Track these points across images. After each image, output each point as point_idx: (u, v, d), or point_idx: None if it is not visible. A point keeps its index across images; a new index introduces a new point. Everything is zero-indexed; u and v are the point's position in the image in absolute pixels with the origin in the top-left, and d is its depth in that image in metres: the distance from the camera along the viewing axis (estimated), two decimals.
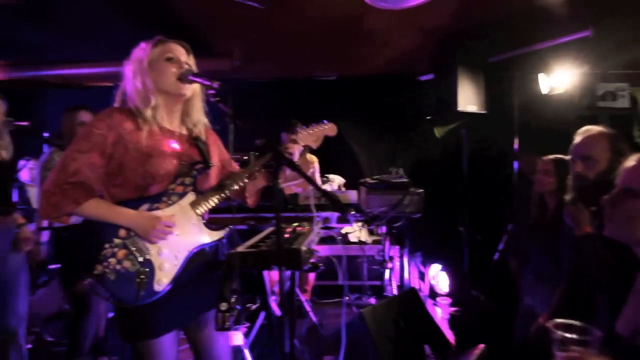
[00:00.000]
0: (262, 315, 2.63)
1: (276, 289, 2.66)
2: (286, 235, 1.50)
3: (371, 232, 3.87)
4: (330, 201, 1.12)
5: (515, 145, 3.29)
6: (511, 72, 3.27)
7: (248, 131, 1.18)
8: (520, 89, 3.24)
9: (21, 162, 3.43)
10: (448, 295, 3.53)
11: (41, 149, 3.03)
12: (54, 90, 4.15)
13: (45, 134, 2.83)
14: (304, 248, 1.24)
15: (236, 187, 1.34)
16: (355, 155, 4.29)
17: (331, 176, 3.88)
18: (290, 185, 2.50)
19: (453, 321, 3.16)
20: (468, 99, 3.10)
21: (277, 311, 2.46)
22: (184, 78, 1.27)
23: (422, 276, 3.70)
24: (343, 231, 3.74)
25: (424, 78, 4.13)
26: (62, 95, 4.07)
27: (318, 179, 3.58)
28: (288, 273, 1.58)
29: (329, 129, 1.52)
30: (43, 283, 2.83)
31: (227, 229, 1.32)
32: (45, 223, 2.13)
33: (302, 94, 4.24)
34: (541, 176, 1.96)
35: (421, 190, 2.81)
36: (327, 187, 3.76)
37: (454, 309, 3.34)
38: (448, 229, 3.74)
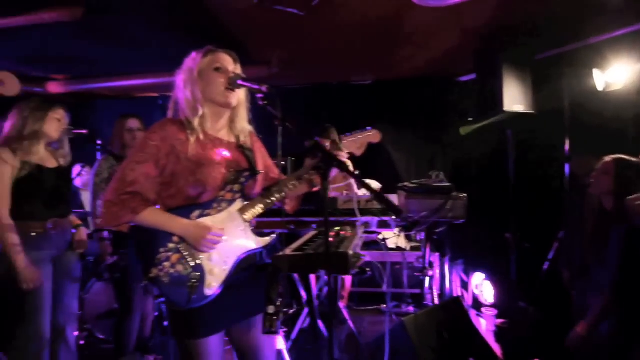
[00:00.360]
0: (301, 319, 2.63)
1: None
2: (330, 239, 1.49)
3: (409, 238, 3.78)
4: (384, 204, 1.09)
5: (567, 146, 3.09)
6: (561, 68, 3.08)
7: (295, 135, 1.19)
8: (572, 86, 3.04)
9: (75, 169, 3.69)
10: (493, 306, 3.36)
11: (94, 155, 3.25)
12: (104, 101, 4.45)
13: (98, 142, 3.02)
14: (351, 252, 1.22)
15: (283, 194, 1.35)
16: (392, 160, 4.22)
17: (367, 181, 3.83)
18: (334, 187, 2.49)
19: (500, 334, 3.01)
20: (514, 98, 2.96)
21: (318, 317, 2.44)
22: (232, 83, 1.30)
23: (464, 285, 3.55)
24: (380, 237, 3.67)
25: (464, 79, 3.99)
26: (111, 106, 4.36)
27: (354, 183, 3.55)
28: (325, 278, 1.57)
29: (372, 135, 1.50)
30: (106, 278, 2.98)
31: (273, 236, 1.33)
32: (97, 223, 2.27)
33: (337, 99, 4.24)
34: (599, 176, 1.83)
35: (464, 195, 2.70)
36: (363, 192, 3.72)
37: (500, 320, 3.18)
38: (493, 236, 3.56)
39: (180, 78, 1.33)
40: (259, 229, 1.34)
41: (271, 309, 1.15)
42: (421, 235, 3.46)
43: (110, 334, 2.94)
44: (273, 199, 1.34)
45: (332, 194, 2.95)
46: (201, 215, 1.26)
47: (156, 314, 2.59)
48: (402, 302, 3.53)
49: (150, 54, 3.23)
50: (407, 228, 2.66)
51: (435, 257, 3.34)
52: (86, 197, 3.85)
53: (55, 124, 1.93)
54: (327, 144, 3.44)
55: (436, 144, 4.12)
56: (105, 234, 2.33)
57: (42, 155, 1.90)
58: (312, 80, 4.25)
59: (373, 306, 3.65)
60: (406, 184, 2.90)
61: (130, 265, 2.28)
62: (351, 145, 1.43)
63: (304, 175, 1.36)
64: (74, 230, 2.08)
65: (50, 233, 1.91)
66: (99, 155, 3.13)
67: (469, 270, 3.57)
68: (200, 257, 1.24)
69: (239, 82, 1.30)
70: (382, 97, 4.21)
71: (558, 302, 2.46)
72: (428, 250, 3.07)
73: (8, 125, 1.87)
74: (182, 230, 1.23)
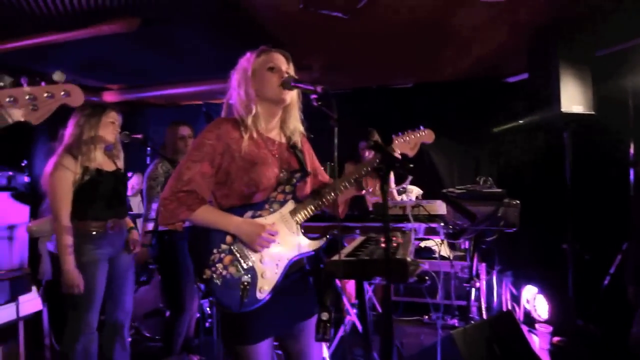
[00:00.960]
0: (342, 327, 2.57)
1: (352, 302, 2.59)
2: (382, 245, 1.43)
3: (453, 247, 3.61)
4: (458, 210, 1.03)
5: (631, 149, 2.83)
6: (624, 66, 2.84)
7: (348, 137, 1.17)
8: (636, 85, 2.79)
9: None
10: (548, 322, 3.12)
11: (142, 162, 3.39)
12: (153, 109, 4.68)
13: (151, 147, 3.14)
14: (409, 259, 1.16)
15: (334, 195, 1.32)
16: (434, 165, 4.08)
17: (408, 186, 3.72)
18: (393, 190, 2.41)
19: (556, 352, 2.80)
20: (573, 98, 2.75)
21: (359, 325, 2.38)
22: (286, 85, 1.29)
23: (514, 299, 3.33)
24: (422, 244, 3.54)
25: (513, 79, 3.80)
26: (159, 113, 4.58)
27: (394, 189, 3.46)
28: (366, 286, 1.50)
29: (426, 135, 1.45)
30: (143, 282, 3.11)
31: (324, 239, 1.30)
32: (149, 226, 2.34)
33: (378, 103, 4.18)
34: None
35: (517, 202, 2.53)
36: (403, 197, 3.62)
37: (556, 338, 2.95)
38: (547, 246, 3.32)
39: (234, 78, 1.34)
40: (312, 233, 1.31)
41: (325, 316, 1.11)
42: (465, 244, 3.30)
43: (156, 332, 3.04)
44: (324, 200, 1.32)
45: (371, 198, 2.88)
46: (253, 216, 1.25)
47: (198, 314, 2.63)
48: (446, 314, 3.37)
49: (197, 63, 3.36)
50: (454, 236, 2.53)
51: (482, 268, 3.17)
52: (135, 202, 4.04)
53: (110, 127, 2.03)
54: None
55: (481, 149, 3.93)
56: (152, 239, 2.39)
57: (100, 160, 2.00)
58: (352, 84, 4.23)
59: (414, 317, 3.51)
60: (452, 189, 2.79)
61: (181, 266, 2.34)
62: (404, 146, 1.38)
63: (358, 177, 1.33)
64: (127, 233, 2.17)
65: (109, 232, 2.00)
66: (148, 161, 3.27)
67: (519, 282, 3.34)
68: (252, 259, 1.23)
69: (293, 83, 1.29)
70: (423, 101, 4.10)
71: (620, 321, 2.24)
72: (476, 259, 2.92)
73: (67, 134, 1.98)
74: (236, 228, 1.22)
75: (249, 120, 1.30)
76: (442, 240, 2.91)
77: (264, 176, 1.26)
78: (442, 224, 2.34)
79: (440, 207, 2.37)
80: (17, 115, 0.93)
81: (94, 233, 1.95)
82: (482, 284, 3.15)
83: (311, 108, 1.24)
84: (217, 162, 1.26)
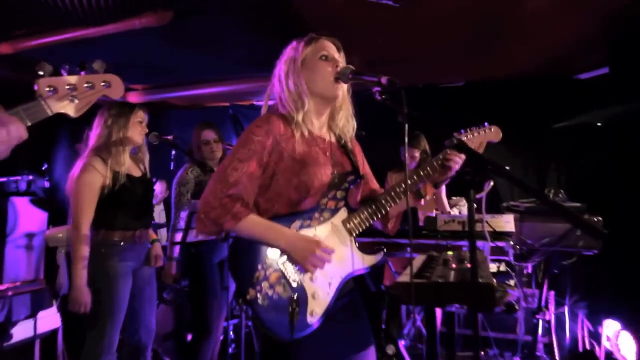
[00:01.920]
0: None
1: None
2: (453, 265, 1.33)
3: (511, 268, 3.41)
4: (579, 225, 0.92)
5: None
6: None
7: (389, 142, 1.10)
8: None
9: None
10: None
11: (167, 166, 3.44)
12: (177, 111, 4.77)
13: (172, 153, 3.17)
14: (495, 283, 1.05)
15: (394, 204, 1.26)
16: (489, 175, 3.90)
17: (457, 199, 3.57)
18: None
19: None
20: None
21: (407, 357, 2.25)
22: (343, 77, 1.24)
23: (592, 335, 3.07)
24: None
25: (585, 76, 3.59)
26: (185, 115, 4.65)
27: (444, 200, 3.32)
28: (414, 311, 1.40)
29: (492, 133, 1.38)
30: (165, 300, 3.10)
31: (381, 254, 1.24)
32: (177, 237, 2.32)
33: (424, 103, 4.06)
34: None
35: (599, 219, 2.34)
36: (454, 211, 3.46)
37: None
38: (632, 273, 3.06)
39: (280, 69, 1.31)
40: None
41: (391, 349, 1.02)
42: (528, 268, 3.10)
43: (176, 357, 3.01)
44: (383, 209, 1.25)
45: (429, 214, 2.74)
46: (302, 227, 1.20)
47: (221, 337, 2.58)
48: (505, 350, 3.15)
49: (227, 60, 3.40)
50: (523, 257, 2.37)
51: (551, 297, 2.95)
52: (156, 211, 4.08)
53: (138, 128, 2.04)
54: (417, 154, 3.24)
55: (546, 155, 3.72)
56: (176, 252, 2.37)
57: (128, 164, 2.01)
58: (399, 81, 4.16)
59: (468, 352, 3.31)
60: (518, 203, 2.62)
61: (209, 282, 2.30)
62: (469, 144, 1.30)
63: (429, 173, 1.26)
64: (149, 245, 2.15)
65: (137, 243, 2.00)
66: (172, 166, 3.31)
67: (598, 316, 3.08)
68: (302, 276, 1.17)
69: (351, 75, 1.23)
70: (476, 101, 3.94)
71: None
72: (545, 287, 2.72)
73: (94, 136, 1.99)
74: (288, 243, 1.17)
75: (300, 116, 1.25)
76: (502, 262, 2.73)
77: (315, 178, 1.22)
78: (511, 242, 2.19)
79: (507, 223, 2.23)
80: (56, 106, 0.93)
81: (122, 244, 1.95)
82: (552, 316, 2.93)
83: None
84: (265, 161, 1.21)
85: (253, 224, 1.18)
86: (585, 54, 3.23)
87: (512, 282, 2.06)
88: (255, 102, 4.67)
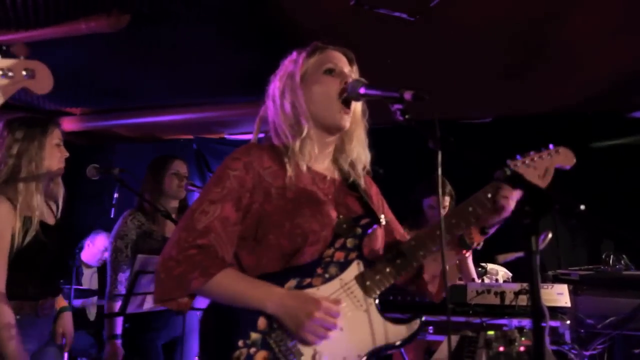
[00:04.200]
0: None
1: None
2: (500, 349, 1.26)
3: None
4: None
5: None
6: None
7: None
8: None
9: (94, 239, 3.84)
10: None
11: (107, 213, 3.34)
12: (125, 145, 4.76)
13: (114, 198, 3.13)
14: None
15: (427, 255, 1.24)
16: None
17: (490, 266, 3.54)
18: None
19: None
20: None
21: None
22: (351, 93, 1.23)
23: None
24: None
25: None
26: (132, 151, 4.64)
27: (471, 267, 3.29)
28: None
29: (560, 156, 1.36)
30: None
31: (417, 322, 1.20)
32: (116, 307, 2.20)
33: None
34: None
35: None
36: (486, 280, 3.42)
37: None
38: None
39: (275, 87, 1.32)
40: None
41: None
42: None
43: None
44: (414, 263, 1.23)
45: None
46: (299, 286, 1.17)
47: None
48: None
49: (201, 78, 3.43)
50: (583, 342, 2.31)
51: None
52: (87, 274, 3.93)
53: (57, 153, 1.89)
54: (447, 202, 3.23)
55: (599, 209, 3.77)
56: (119, 328, 2.25)
57: (42, 207, 1.87)
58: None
59: None
60: (568, 270, 2.60)
61: None
62: (529, 175, 1.28)
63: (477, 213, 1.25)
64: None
65: (40, 317, 1.87)
66: (112, 214, 3.22)
67: None
68: (301, 355, 1.12)
69: (362, 90, 1.22)
70: (507, 141, 4.05)
71: None
72: None
73: None
74: (277, 305, 1.12)
75: (297, 145, 1.24)
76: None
77: (314, 220, 1.20)
78: (567, 321, 2.13)
79: (561, 296, 2.19)
80: None
81: (18, 317, 1.77)
82: None
83: None
84: (244, 202, 1.21)
85: (229, 280, 1.14)
86: None
87: None
88: (227, 136, 4.70)
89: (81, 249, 3.85)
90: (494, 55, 3.07)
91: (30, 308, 1.83)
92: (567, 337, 2.14)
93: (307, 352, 1.12)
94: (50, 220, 1.93)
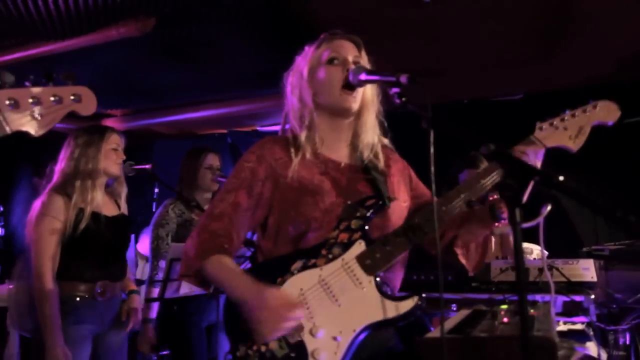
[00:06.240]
0: None
1: None
2: (504, 320, 1.28)
3: (604, 339, 3.22)
4: None
5: None
6: None
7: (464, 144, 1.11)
8: None
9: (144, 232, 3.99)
10: None
11: (150, 207, 3.53)
12: (162, 142, 4.93)
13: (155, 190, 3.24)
14: (556, 338, 1.01)
15: (431, 230, 1.23)
16: (565, 213, 3.79)
17: (524, 244, 3.49)
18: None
19: None
20: None
21: None
22: (354, 80, 1.28)
23: None
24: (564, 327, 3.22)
25: None
26: (171, 147, 4.80)
27: (510, 233, 3.26)
28: None
29: (601, 111, 1.29)
30: None
31: (414, 299, 1.20)
32: (155, 293, 2.33)
33: (472, 120, 4.09)
34: None
35: None
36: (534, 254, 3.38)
37: None
38: None
39: (288, 82, 1.40)
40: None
41: None
42: (626, 337, 2.93)
43: None
44: (419, 236, 1.23)
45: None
46: (304, 267, 1.22)
47: None
48: None
49: (230, 75, 3.52)
50: (612, 318, 2.26)
51: None
52: (141, 265, 4.09)
53: (113, 156, 2.12)
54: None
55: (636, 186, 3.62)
56: (154, 312, 2.36)
57: (99, 201, 2.08)
58: (435, 98, 4.22)
59: None
60: (601, 246, 2.53)
61: (195, 350, 2.30)
62: (559, 136, 1.31)
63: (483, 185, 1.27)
64: (124, 296, 2.18)
65: (98, 300, 2.02)
66: (154, 207, 3.39)
67: None
68: (302, 331, 1.18)
69: (362, 77, 1.26)
70: (538, 118, 3.95)
71: None
72: None
73: (58, 170, 2.08)
74: (240, 296, 1.18)
75: (303, 136, 1.31)
76: (588, 324, 2.60)
77: (316, 208, 1.26)
78: (592, 296, 2.11)
79: (586, 271, 2.16)
80: (16, 123, 0.97)
81: (78, 299, 1.98)
82: None
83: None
84: (256, 190, 1.30)
85: (216, 268, 1.24)
86: None
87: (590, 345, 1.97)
88: (259, 128, 4.80)
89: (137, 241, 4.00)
90: (521, 29, 3.00)
91: (86, 289, 2.01)
92: (592, 311, 2.11)
93: (307, 325, 1.17)
94: (110, 212, 2.15)
